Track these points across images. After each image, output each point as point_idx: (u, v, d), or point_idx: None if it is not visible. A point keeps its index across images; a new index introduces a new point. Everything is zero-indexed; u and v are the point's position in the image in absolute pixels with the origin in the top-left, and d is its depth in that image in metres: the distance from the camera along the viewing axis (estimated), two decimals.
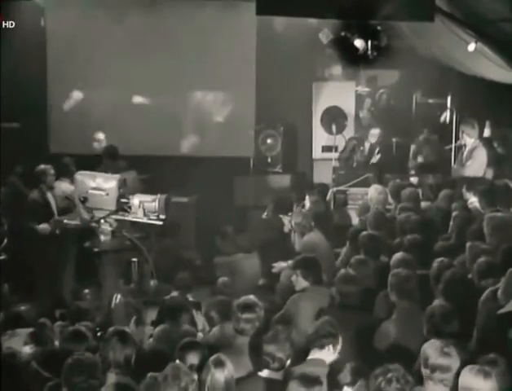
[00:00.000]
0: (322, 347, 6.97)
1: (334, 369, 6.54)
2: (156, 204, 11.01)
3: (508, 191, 11.08)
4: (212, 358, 6.37)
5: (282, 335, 6.90)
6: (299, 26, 15.40)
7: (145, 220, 10.98)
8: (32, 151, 15.14)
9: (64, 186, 13.11)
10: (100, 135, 15.54)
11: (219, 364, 6.25)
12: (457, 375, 6.02)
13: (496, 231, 9.32)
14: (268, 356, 6.74)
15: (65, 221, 12.31)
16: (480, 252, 8.82)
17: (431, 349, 6.15)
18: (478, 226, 9.68)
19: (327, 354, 6.97)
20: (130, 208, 10.96)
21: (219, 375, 6.19)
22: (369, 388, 5.73)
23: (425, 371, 6.14)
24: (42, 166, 13.05)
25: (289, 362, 6.81)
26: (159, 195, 10.88)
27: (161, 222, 11.06)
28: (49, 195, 12.91)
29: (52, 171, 13.02)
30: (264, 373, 6.74)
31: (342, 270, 8.86)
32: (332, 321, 7.21)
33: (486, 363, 6.00)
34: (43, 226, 12.80)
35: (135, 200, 10.95)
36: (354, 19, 12.83)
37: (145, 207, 11.03)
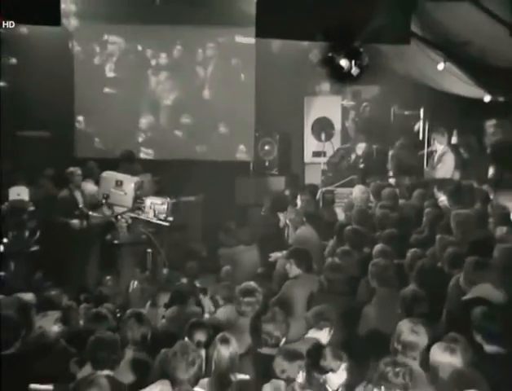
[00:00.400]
0: (320, 328, 6.98)
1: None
2: (164, 207, 11.05)
3: (472, 190, 11.09)
4: (218, 335, 6.35)
5: (278, 316, 6.91)
6: (293, 48, 15.46)
7: (154, 220, 11.01)
8: (60, 156, 15.15)
9: (89, 187, 13.15)
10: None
11: (225, 341, 6.24)
12: (426, 350, 6.06)
13: (461, 226, 9.35)
14: (266, 334, 6.76)
15: (90, 213, 12.36)
16: (448, 243, 8.83)
17: (403, 327, 6.18)
18: (447, 221, 9.69)
19: (323, 335, 6.98)
20: (143, 207, 11.00)
21: (225, 351, 6.17)
22: (376, 371, 5.66)
23: (397, 346, 6.17)
24: (71, 169, 13.11)
25: (284, 340, 6.82)
26: (168, 199, 10.91)
27: (167, 224, 11.09)
28: (77, 193, 12.92)
29: (79, 172, 13.07)
30: (263, 350, 6.74)
31: (329, 260, 8.87)
32: (331, 308, 7.21)
33: (451, 341, 6.03)
34: (74, 221, 12.81)
35: (147, 202, 10.99)
36: (340, 41, 12.86)
37: (155, 208, 11.07)
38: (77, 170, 13.08)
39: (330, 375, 6.14)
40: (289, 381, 5.71)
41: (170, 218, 11.10)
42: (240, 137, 16.52)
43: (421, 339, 6.10)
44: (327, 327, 6.98)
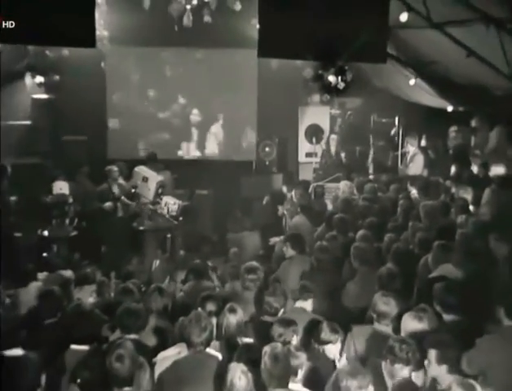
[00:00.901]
0: (306, 299, 7.02)
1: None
2: (175, 207, 11.06)
3: (438, 185, 11.11)
4: (227, 305, 6.39)
5: (278, 290, 6.94)
6: (289, 66, 15.43)
7: (167, 216, 11.03)
8: (94, 156, 15.21)
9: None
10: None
11: (232, 310, 6.27)
12: (398, 318, 6.10)
13: (427, 214, 9.38)
14: (267, 305, 6.80)
15: (122, 197, 12.42)
16: (418, 229, 8.87)
17: (377, 299, 6.23)
18: (417, 211, 9.73)
19: (307, 304, 7.02)
20: (160, 204, 11.04)
21: (232, 319, 6.22)
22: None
23: (373, 315, 6.22)
24: (109, 167, 13.26)
25: (282, 310, 6.85)
26: (180, 202, 10.92)
27: (176, 222, 11.12)
28: (113, 186, 13.01)
29: (116, 169, 13.13)
30: (265, 318, 6.78)
31: (318, 243, 8.89)
32: (312, 282, 7.24)
33: (419, 310, 6.09)
34: (108, 204, 12.91)
35: (164, 200, 11.02)
36: (328, 61, 12.87)
37: (169, 207, 11.10)
38: (114, 167, 13.16)
39: (329, 346, 6.19)
40: (285, 343, 5.74)
41: (180, 218, 11.14)
42: (244, 140, 16.53)
43: (392, 309, 6.15)
44: (310, 297, 7.00)
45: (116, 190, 12.90)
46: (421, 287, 7.57)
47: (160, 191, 11.09)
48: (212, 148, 16.59)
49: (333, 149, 15.36)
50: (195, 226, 14.25)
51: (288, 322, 6.04)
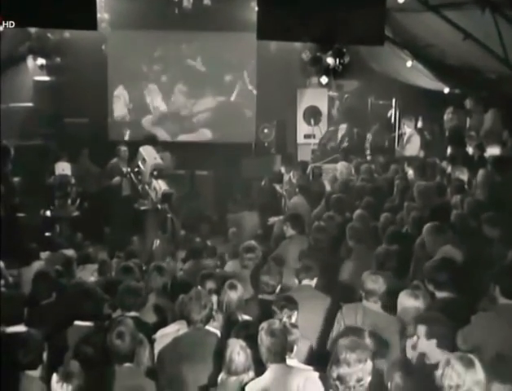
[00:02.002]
0: (312, 278, 7.00)
1: None
2: (160, 194, 11.02)
3: (434, 166, 11.08)
4: (227, 282, 6.37)
5: (273, 269, 6.95)
6: (287, 48, 15.42)
7: (154, 199, 11.05)
8: (96, 138, 15.20)
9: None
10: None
11: (233, 287, 6.27)
12: (386, 296, 6.15)
13: (421, 194, 9.36)
14: (264, 284, 6.81)
15: (129, 169, 12.43)
16: (412, 209, 8.86)
17: (366, 278, 6.24)
18: (413, 191, 9.71)
19: (313, 282, 7.01)
20: (151, 186, 11.06)
21: (233, 295, 6.22)
22: None
23: (362, 293, 6.24)
24: (119, 146, 13.67)
25: (279, 287, 6.86)
26: (164, 189, 10.92)
27: (159, 207, 11.15)
28: (122, 164, 13.10)
29: (125, 148, 13.35)
30: (262, 296, 6.78)
31: (316, 223, 8.89)
32: (316, 263, 7.23)
33: (415, 288, 6.10)
34: (116, 179, 13.14)
35: (154, 183, 11.01)
36: (326, 43, 12.85)
37: (157, 192, 11.07)
38: (123, 147, 13.50)
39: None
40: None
41: (165, 205, 11.17)
42: (244, 123, 16.51)
43: (380, 287, 6.15)
44: (316, 276, 6.99)
45: (123, 167, 12.95)
46: (416, 266, 7.57)
47: (155, 173, 11.04)
48: (210, 130, 16.55)
49: (331, 131, 15.38)
50: (195, 206, 14.28)
51: (288, 300, 6.04)
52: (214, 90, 16.49)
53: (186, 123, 16.57)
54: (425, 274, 6.48)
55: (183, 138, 16.40)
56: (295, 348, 5.44)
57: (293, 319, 5.92)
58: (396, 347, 5.80)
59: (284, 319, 5.75)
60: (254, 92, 16.36)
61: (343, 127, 15.57)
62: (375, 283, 6.16)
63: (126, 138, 15.95)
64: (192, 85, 16.45)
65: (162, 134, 15.91)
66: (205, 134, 16.53)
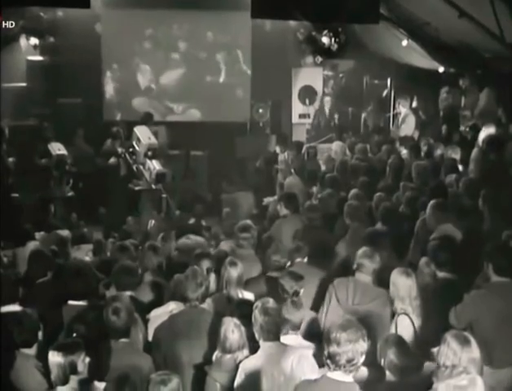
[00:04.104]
0: (304, 257, 7.03)
1: None
2: (154, 174, 11.03)
3: (430, 146, 11.10)
4: (227, 259, 6.43)
5: (279, 247, 6.98)
6: (282, 27, 15.36)
7: (148, 179, 11.06)
8: (90, 119, 15.17)
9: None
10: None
11: (233, 264, 6.32)
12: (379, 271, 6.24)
13: (420, 174, 9.38)
14: (275, 262, 6.87)
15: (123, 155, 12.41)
16: (408, 188, 8.89)
17: (359, 252, 6.32)
18: (408, 171, 9.74)
19: (305, 260, 7.05)
20: (145, 166, 11.05)
21: (233, 272, 6.26)
22: None
23: (355, 266, 6.30)
24: (115, 127, 13.50)
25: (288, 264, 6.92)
26: (158, 169, 10.92)
27: (153, 186, 11.16)
28: (117, 144, 13.07)
29: (122, 130, 13.24)
30: (270, 274, 6.84)
31: (308, 202, 8.91)
32: (305, 243, 7.26)
33: (407, 265, 6.16)
34: (112, 160, 13.06)
35: (148, 164, 11.02)
36: (321, 22, 12.82)
37: (151, 172, 11.08)
38: (120, 129, 13.35)
39: None
40: (296, 295, 5.86)
41: (159, 185, 11.17)
42: (239, 102, 16.47)
43: (373, 262, 6.22)
44: (307, 255, 7.04)
45: (119, 148, 12.95)
46: (418, 246, 7.63)
47: (149, 153, 11.04)
48: (202, 110, 16.52)
49: (326, 111, 15.35)
50: (190, 186, 14.29)
51: (298, 276, 6.09)
52: (207, 70, 16.43)
53: (176, 103, 16.54)
54: (427, 253, 6.54)
55: (173, 118, 16.35)
56: (303, 324, 5.53)
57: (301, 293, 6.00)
58: (387, 320, 5.91)
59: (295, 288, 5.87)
60: (249, 72, 16.29)
61: (333, 105, 15.54)
62: (370, 258, 6.22)
63: (118, 118, 15.88)
64: (183, 65, 16.39)
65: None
66: (196, 115, 16.48)
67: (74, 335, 5.42)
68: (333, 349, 4.24)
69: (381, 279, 6.19)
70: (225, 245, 8.67)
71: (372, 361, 4.94)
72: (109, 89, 16.25)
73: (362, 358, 4.29)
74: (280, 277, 6.18)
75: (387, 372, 4.96)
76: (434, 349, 4.81)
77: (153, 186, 11.11)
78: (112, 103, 16.27)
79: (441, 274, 6.39)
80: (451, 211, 7.73)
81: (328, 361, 4.29)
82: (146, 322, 5.99)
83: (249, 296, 6.32)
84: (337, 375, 4.28)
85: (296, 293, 5.91)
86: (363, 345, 4.29)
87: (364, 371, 4.94)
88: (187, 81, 16.36)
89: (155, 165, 11.02)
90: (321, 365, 4.64)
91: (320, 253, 7.32)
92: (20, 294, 6.57)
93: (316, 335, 5.65)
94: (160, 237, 8.19)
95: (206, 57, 16.25)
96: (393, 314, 5.88)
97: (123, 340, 5.34)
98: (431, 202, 7.72)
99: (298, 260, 6.94)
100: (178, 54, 16.31)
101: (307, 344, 5.46)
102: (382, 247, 6.90)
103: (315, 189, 10.97)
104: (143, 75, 16.32)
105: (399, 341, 5.11)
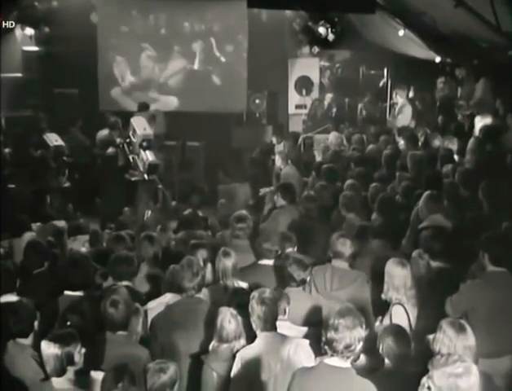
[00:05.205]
0: (294, 247, 7.04)
1: None
2: (147, 162, 11.04)
3: (427, 136, 11.11)
4: (221, 250, 6.43)
5: (273, 237, 6.97)
6: (279, 17, 15.35)
7: (141, 169, 11.07)
8: (86, 109, 15.15)
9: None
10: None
11: (227, 254, 6.33)
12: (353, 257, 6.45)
13: (415, 164, 9.39)
14: (266, 250, 6.86)
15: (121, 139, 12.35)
16: (404, 178, 8.90)
17: (334, 239, 6.41)
18: (404, 161, 9.74)
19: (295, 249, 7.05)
20: (139, 157, 11.05)
21: (228, 262, 6.27)
22: None
23: (330, 254, 6.42)
24: (114, 118, 13.36)
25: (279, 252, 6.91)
26: (151, 159, 10.93)
27: (146, 177, 11.17)
28: (114, 134, 13.06)
29: (119, 121, 13.16)
30: (262, 261, 6.84)
31: (305, 192, 8.91)
32: (292, 233, 7.27)
33: (402, 256, 6.20)
34: (111, 150, 12.98)
35: (142, 154, 11.02)
36: (317, 12, 12.80)
37: (144, 162, 11.08)
38: (118, 120, 13.23)
39: None
40: (303, 283, 5.97)
41: (152, 176, 11.18)
42: (236, 93, 16.45)
43: (347, 249, 6.31)
44: (296, 245, 7.05)
45: (117, 138, 12.93)
46: (412, 235, 7.64)
47: (144, 144, 11.03)
48: (196, 99, 16.50)
49: (323, 101, 15.36)
50: (187, 177, 14.29)
51: (305, 264, 6.11)
52: (204, 60, 16.41)
53: (171, 90, 16.56)
54: (420, 243, 6.57)
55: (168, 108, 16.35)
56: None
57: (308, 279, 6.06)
58: (368, 301, 6.04)
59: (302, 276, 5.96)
60: (246, 62, 16.26)
61: (329, 96, 15.55)
62: (343, 245, 6.31)
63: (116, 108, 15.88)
64: (181, 53, 16.36)
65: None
66: (192, 104, 16.47)
67: (68, 323, 5.43)
68: (331, 335, 4.30)
69: (377, 270, 6.22)
70: (221, 235, 8.72)
71: (368, 348, 4.97)
72: (102, 78, 16.22)
73: (360, 345, 4.35)
74: (287, 265, 6.16)
75: (386, 360, 5.00)
76: (430, 336, 4.84)
77: (146, 177, 11.10)
78: (108, 93, 16.25)
79: (435, 264, 6.44)
80: (446, 201, 7.76)
81: (326, 347, 4.34)
82: (145, 311, 6.00)
83: (243, 284, 6.33)
84: (334, 361, 4.35)
85: (303, 281, 5.97)
86: (360, 332, 4.34)
87: (362, 359, 4.98)
88: (186, 73, 16.38)
89: (148, 156, 11.01)
90: (318, 354, 4.67)
91: (310, 243, 7.35)
92: (17, 284, 6.58)
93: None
94: (158, 228, 8.18)
95: (204, 47, 16.24)
96: (388, 304, 5.91)
97: (120, 332, 5.36)
98: (425, 193, 7.75)
99: (289, 249, 6.96)
100: (178, 46, 16.30)
101: (298, 328, 5.53)
102: (379, 236, 6.94)
103: (311, 179, 10.99)
104: (144, 64, 16.38)
105: (397, 330, 5.14)
